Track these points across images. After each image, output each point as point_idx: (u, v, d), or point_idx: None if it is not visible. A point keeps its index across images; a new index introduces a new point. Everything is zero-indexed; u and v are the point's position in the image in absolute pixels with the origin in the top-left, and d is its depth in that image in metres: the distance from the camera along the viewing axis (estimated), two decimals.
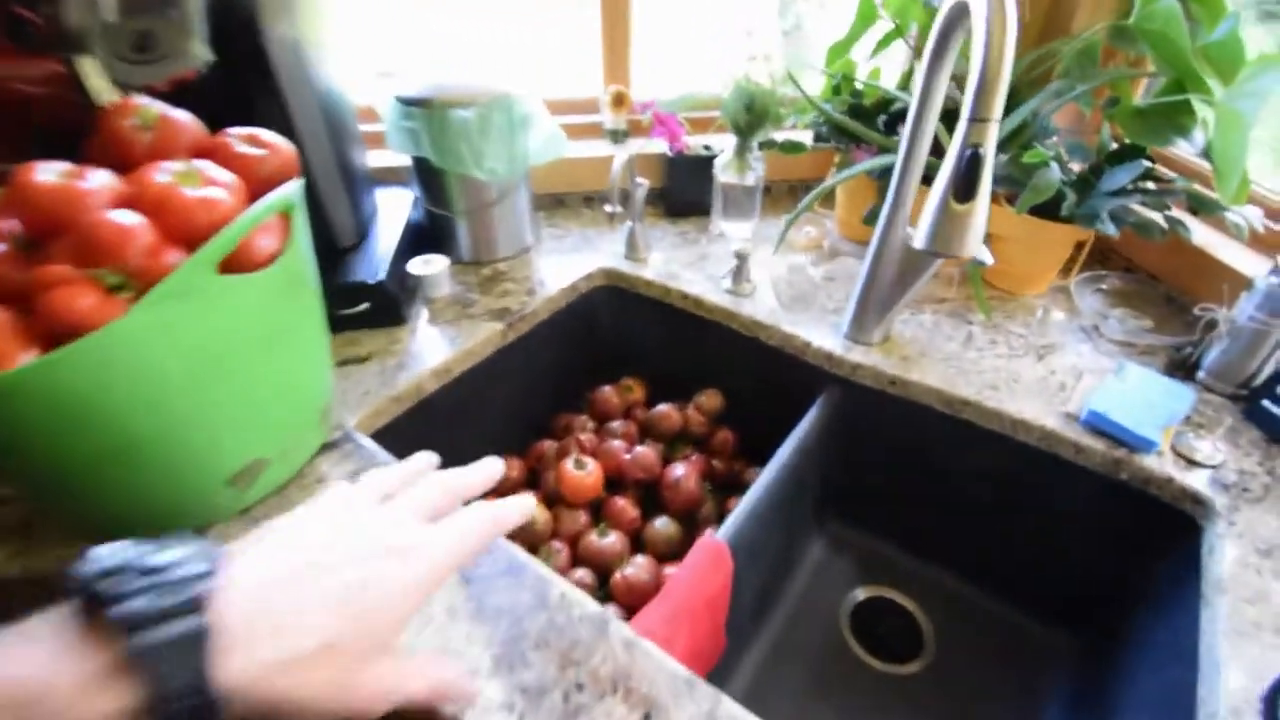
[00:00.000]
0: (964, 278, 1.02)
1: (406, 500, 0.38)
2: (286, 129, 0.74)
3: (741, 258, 0.96)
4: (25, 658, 0.25)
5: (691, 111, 1.15)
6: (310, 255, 0.61)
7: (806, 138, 1.12)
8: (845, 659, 0.88)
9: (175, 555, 0.28)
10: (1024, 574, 0.89)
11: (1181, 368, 0.84)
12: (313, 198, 0.83)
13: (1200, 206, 0.85)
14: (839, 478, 0.97)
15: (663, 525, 0.91)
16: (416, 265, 0.96)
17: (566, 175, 1.21)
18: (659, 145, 1.17)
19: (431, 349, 0.88)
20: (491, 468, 0.44)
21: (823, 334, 0.91)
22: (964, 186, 0.57)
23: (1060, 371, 0.84)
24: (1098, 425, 0.74)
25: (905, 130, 0.73)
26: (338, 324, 0.88)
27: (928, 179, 0.67)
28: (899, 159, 0.75)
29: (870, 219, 1.02)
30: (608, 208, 0.95)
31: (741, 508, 0.74)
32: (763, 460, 0.82)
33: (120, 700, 0.25)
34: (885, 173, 0.98)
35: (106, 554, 0.27)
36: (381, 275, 0.88)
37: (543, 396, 1.10)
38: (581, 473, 0.92)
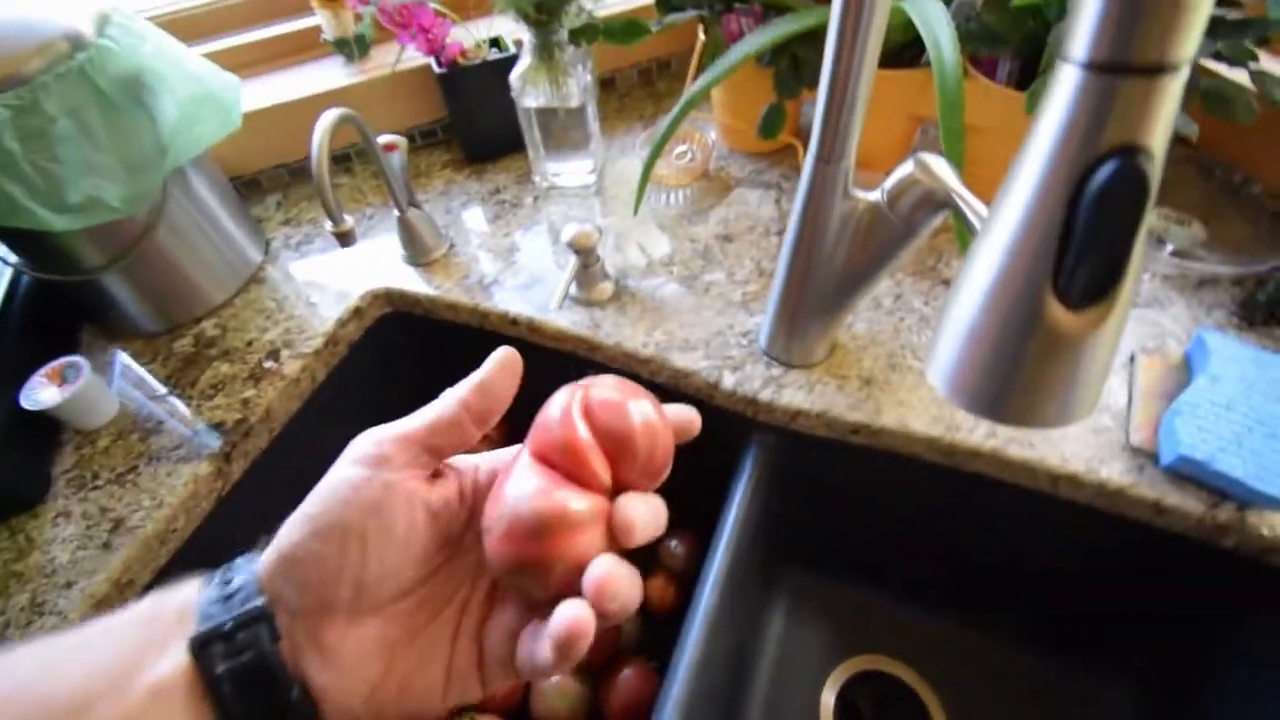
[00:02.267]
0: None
1: None
2: None
3: (582, 251, 0.59)
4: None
5: None
6: None
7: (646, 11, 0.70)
8: None
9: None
10: (1054, 616, 0.65)
11: (1265, 309, 0.55)
12: None
13: None
14: (793, 524, 0.68)
15: (555, 689, 0.61)
16: (37, 389, 0.55)
17: (281, 135, 0.75)
18: (422, 58, 0.72)
19: (88, 555, 0.50)
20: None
21: (733, 351, 0.57)
22: (1094, 261, 0.22)
23: None
24: (1192, 474, 0.46)
25: None
26: None
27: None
28: (834, 22, 0.37)
29: (769, 128, 0.65)
30: (327, 225, 0.54)
31: (685, 654, 0.46)
32: (679, 515, 0.52)
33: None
34: (782, 53, 0.60)
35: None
36: None
37: None
38: None
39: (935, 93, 0.49)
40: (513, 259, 0.68)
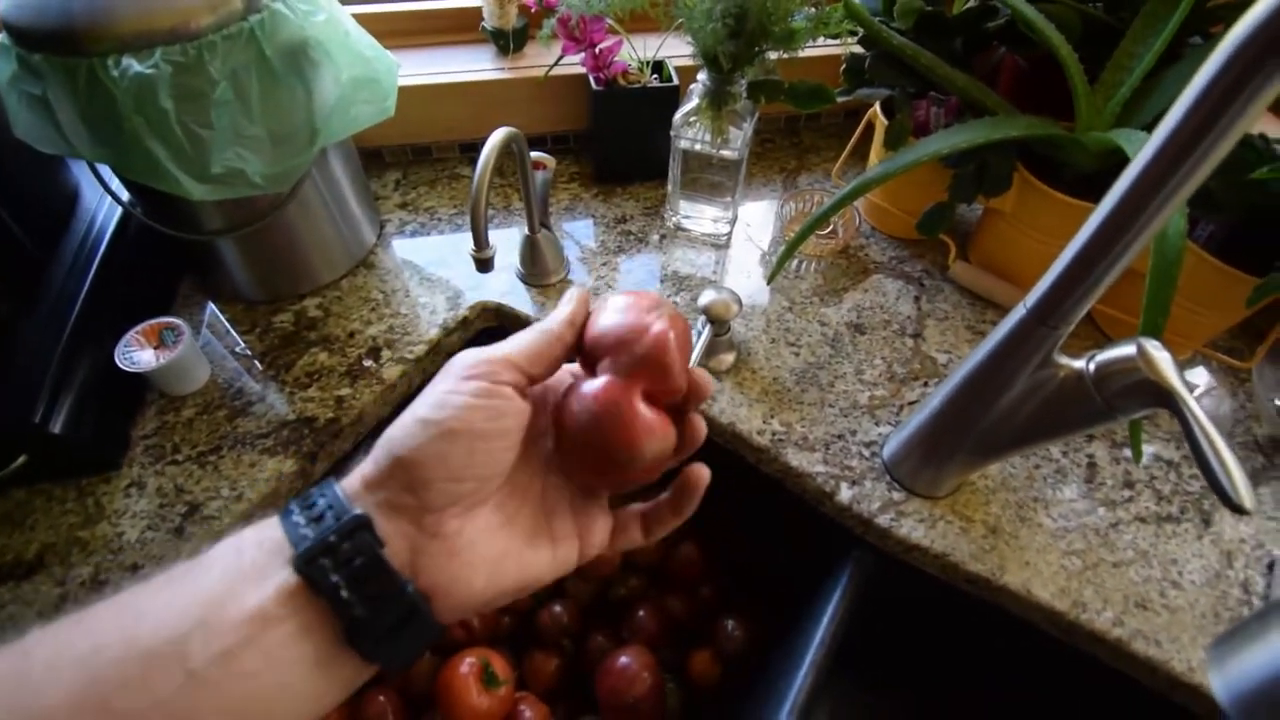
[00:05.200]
0: None
1: None
2: None
3: (717, 322, 0.55)
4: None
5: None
6: None
7: (825, 64, 0.65)
8: None
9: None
10: None
11: None
12: None
13: None
14: (857, 635, 0.65)
15: None
16: (133, 349, 0.53)
17: (423, 113, 0.72)
18: (578, 65, 0.69)
19: (158, 537, 0.48)
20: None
21: (854, 461, 0.54)
22: None
23: (1240, 556, 0.51)
24: None
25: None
26: None
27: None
28: (1116, 195, 0.33)
29: (931, 226, 0.61)
30: (470, 251, 0.51)
31: None
32: (733, 584, 0.50)
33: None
34: (970, 157, 0.56)
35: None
36: (53, 414, 0.46)
37: None
38: (489, 696, 0.58)
39: (1150, 259, 0.45)
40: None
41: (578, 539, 0.30)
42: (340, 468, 0.56)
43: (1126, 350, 0.37)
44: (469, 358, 0.27)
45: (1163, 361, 0.36)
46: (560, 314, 0.29)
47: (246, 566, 0.23)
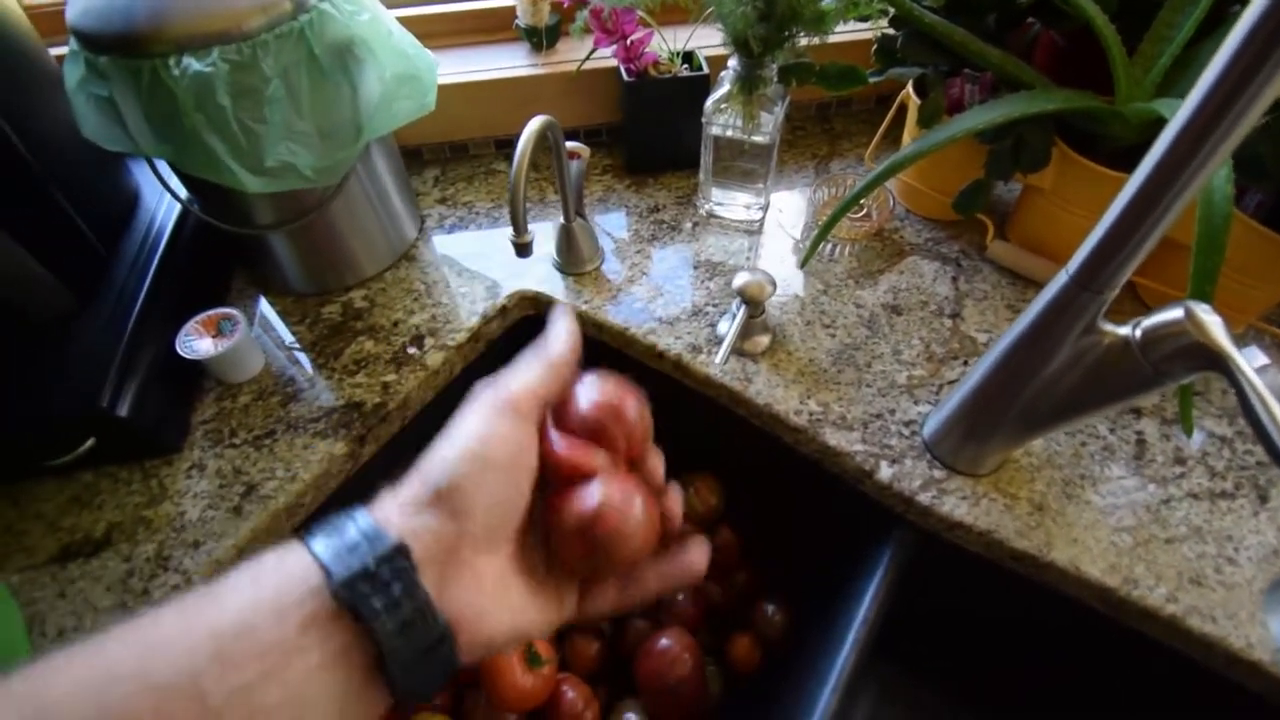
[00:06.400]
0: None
1: None
2: None
3: (752, 303, 0.56)
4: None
5: None
6: None
7: (856, 49, 0.66)
8: None
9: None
10: None
11: None
12: None
13: None
14: (900, 619, 0.64)
15: None
16: (192, 338, 0.55)
17: (461, 111, 0.74)
18: (609, 58, 0.70)
19: (218, 516, 0.50)
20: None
21: (893, 440, 0.54)
22: None
23: None
24: None
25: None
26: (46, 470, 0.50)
27: None
28: (1161, 147, 0.32)
29: (968, 205, 0.60)
30: (510, 237, 0.52)
31: None
32: (770, 568, 0.50)
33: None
34: (1006, 133, 0.55)
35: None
36: (119, 399, 0.48)
37: None
38: (533, 675, 0.59)
39: (1196, 225, 0.44)
40: (664, 285, 0.65)
41: (559, 600, 0.29)
42: (388, 452, 0.58)
43: (1174, 314, 0.37)
44: (503, 391, 0.28)
45: (1212, 325, 0.36)
46: (560, 342, 0.30)
47: (266, 595, 0.23)
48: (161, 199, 0.63)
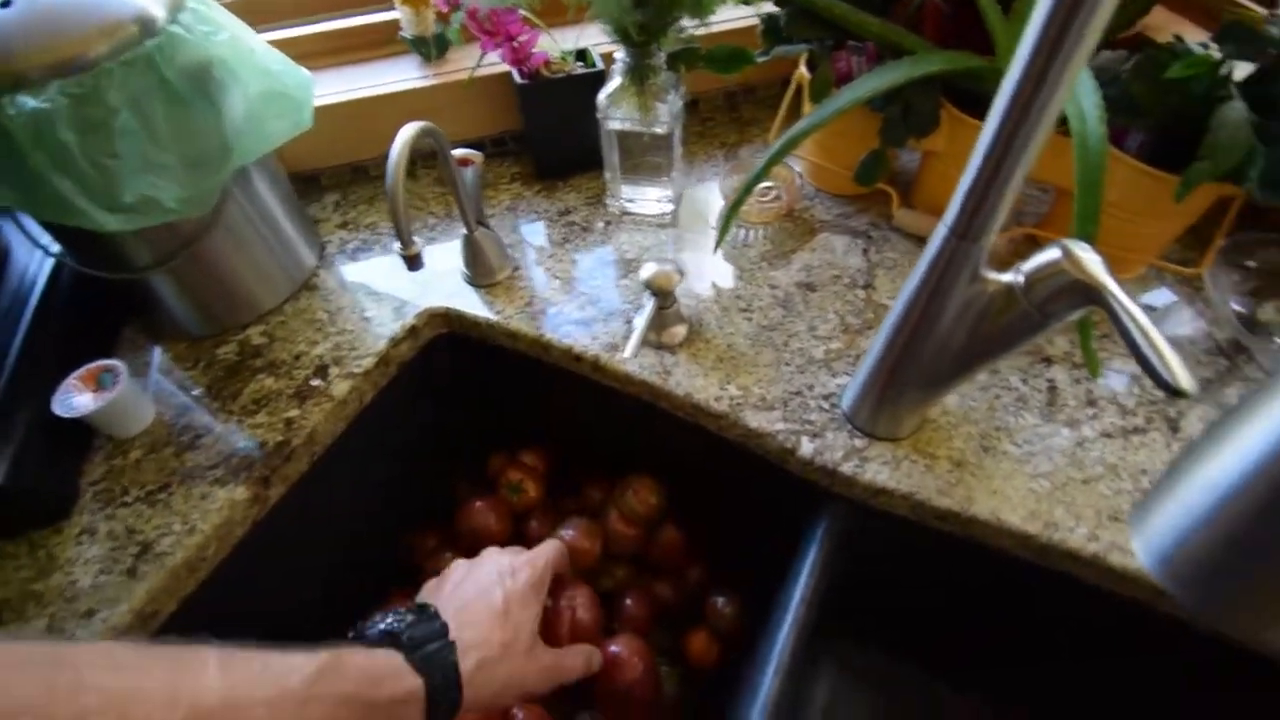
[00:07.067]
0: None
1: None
2: None
3: (661, 293, 0.55)
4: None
5: None
6: None
7: (747, 34, 0.66)
8: None
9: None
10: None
11: None
12: None
13: None
14: (846, 596, 0.64)
15: None
16: (71, 394, 0.52)
17: (347, 133, 0.72)
18: (501, 63, 0.69)
19: (111, 580, 0.47)
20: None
21: (813, 415, 0.53)
22: None
23: None
24: None
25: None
26: None
27: None
28: (1010, 86, 0.32)
29: (868, 175, 0.61)
30: (397, 249, 0.50)
31: None
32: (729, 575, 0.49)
33: (413, 685, 0.39)
34: (894, 99, 0.56)
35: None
36: None
37: (383, 525, 0.71)
38: None
39: (1074, 167, 0.45)
40: (579, 288, 0.64)
41: None
42: (299, 491, 0.55)
43: (1053, 254, 0.37)
44: (544, 576, 0.52)
45: (1089, 261, 0.36)
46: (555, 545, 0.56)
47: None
48: (33, 252, 0.59)
